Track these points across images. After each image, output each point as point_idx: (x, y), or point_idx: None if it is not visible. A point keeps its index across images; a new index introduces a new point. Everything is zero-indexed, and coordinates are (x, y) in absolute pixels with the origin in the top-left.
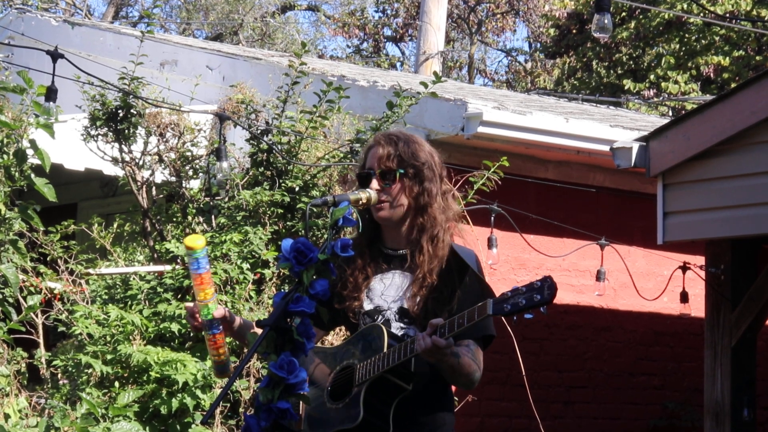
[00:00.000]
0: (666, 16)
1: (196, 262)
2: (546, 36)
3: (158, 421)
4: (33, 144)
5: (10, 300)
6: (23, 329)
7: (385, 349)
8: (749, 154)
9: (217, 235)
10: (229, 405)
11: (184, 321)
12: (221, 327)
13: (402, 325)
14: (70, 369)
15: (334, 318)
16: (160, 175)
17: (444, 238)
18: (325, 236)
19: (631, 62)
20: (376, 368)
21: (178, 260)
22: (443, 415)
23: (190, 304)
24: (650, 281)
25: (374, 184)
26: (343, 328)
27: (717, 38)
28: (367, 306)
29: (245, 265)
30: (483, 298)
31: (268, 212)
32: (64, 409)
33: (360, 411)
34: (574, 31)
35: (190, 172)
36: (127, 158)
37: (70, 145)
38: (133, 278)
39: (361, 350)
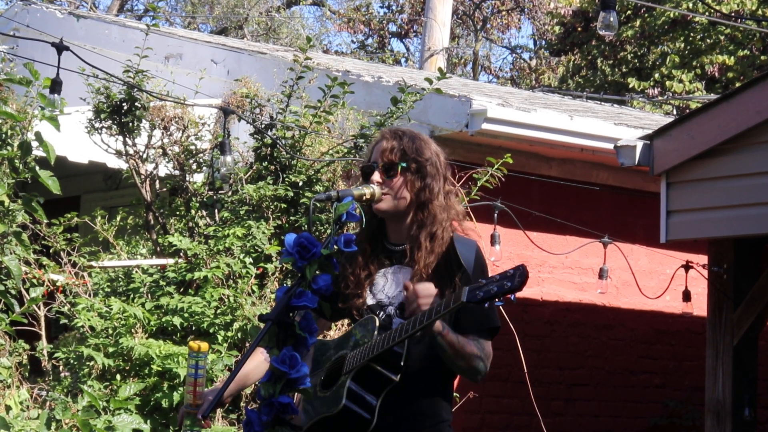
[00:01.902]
0: (671, 15)
1: (192, 365)
2: (551, 33)
3: (159, 414)
4: (38, 136)
5: (13, 292)
6: (25, 321)
7: (374, 339)
8: (753, 153)
9: (220, 229)
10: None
11: (186, 315)
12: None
13: (402, 320)
14: (71, 361)
15: (339, 313)
16: (164, 169)
17: (443, 236)
18: (329, 231)
19: (636, 60)
20: (362, 357)
21: (181, 254)
22: (441, 411)
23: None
24: (653, 279)
25: (376, 176)
26: (345, 323)
27: (722, 37)
28: (370, 301)
29: (248, 260)
30: None
31: (272, 207)
32: (66, 401)
33: (342, 398)
34: (579, 28)
35: (194, 166)
36: (131, 151)
37: (74, 138)
38: (136, 271)
39: (353, 341)
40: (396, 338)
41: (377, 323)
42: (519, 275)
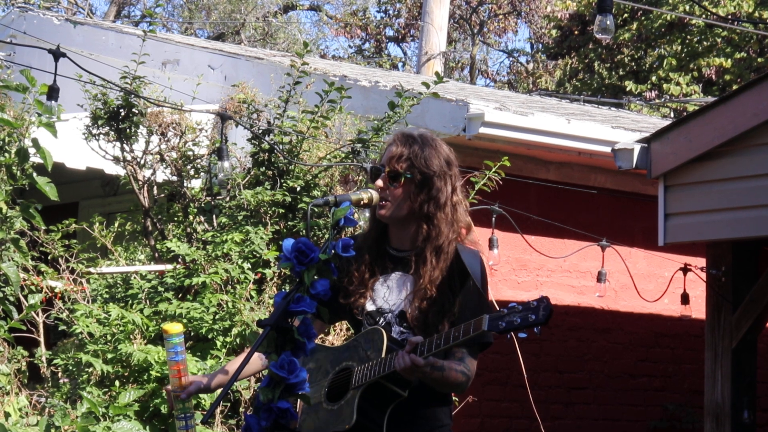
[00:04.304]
0: (668, 18)
1: (173, 348)
2: (548, 37)
3: (158, 420)
4: (35, 143)
5: (11, 299)
6: (24, 328)
7: (383, 354)
8: (751, 156)
9: (218, 234)
10: (229, 404)
11: (185, 320)
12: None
13: (402, 329)
14: (70, 368)
15: (337, 313)
16: (162, 175)
17: (449, 250)
18: (326, 236)
19: (633, 64)
20: (372, 373)
21: (179, 259)
22: (441, 416)
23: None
24: (651, 283)
25: (379, 182)
26: (344, 327)
27: (719, 40)
28: (370, 307)
29: (246, 265)
30: (479, 310)
31: (270, 212)
32: (65, 408)
33: (353, 415)
34: (576, 32)
35: (192, 172)
36: (129, 157)
37: (72, 144)
38: (134, 277)
39: (360, 353)
40: (393, 367)
41: (385, 339)
42: (543, 308)
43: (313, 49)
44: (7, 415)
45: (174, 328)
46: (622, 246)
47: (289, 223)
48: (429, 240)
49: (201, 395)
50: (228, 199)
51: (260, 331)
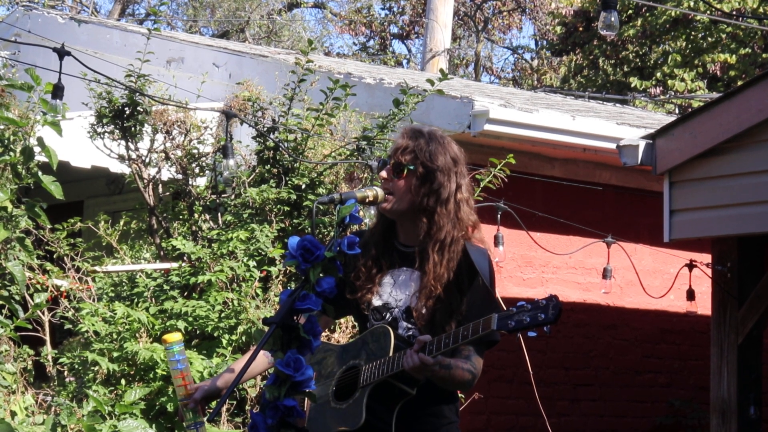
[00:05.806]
0: (673, 14)
1: (174, 357)
2: (552, 33)
3: (165, 418)
4: (40, 141)
5: (17, 297)
6: (30, 327)
7: (390, 353)
8: (756, 151)
9: (224, 232)
10: (235, 402)
11: (190, 319)
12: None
13: (409, 325)
14: (76, 366)
15: (343, 309)
16: (167, 173)
17: (453, 248)
18: (332, 234)
19: (638, 60)
20: (380, 372)
21: (185, 258)
22: (448, 413)
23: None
24: (657, 279)
25: (383, 173)
26: (350, 324)
27: (723, 36)
28: (377, 302)
29: (252, 263)
30: (487, 309)
31: (275, 210)
32: (71, 406)
33: (362, 414)
34: (581, 28)
35: (197, 170)
36: (134, 156)
37: (77, 143)
38: (140, 276)
39: (367, 351)
40: (402, 367)
41: (392, 337)
42: (552, 307)
43: (318, 47)
44: (13, 413)
45: (172, 337)
46: (628, 242)
47: (295, 220)
48: (430, 235)
49: None
50: (233, 197)
51: (266, 328)
